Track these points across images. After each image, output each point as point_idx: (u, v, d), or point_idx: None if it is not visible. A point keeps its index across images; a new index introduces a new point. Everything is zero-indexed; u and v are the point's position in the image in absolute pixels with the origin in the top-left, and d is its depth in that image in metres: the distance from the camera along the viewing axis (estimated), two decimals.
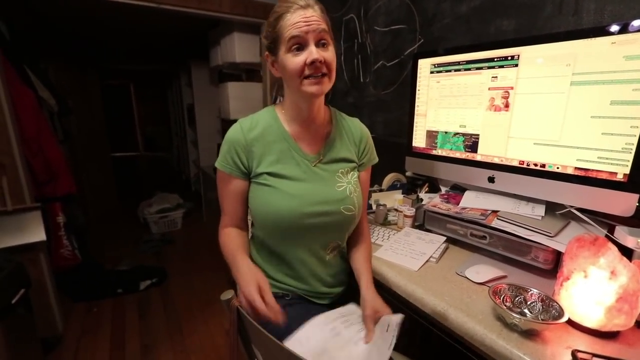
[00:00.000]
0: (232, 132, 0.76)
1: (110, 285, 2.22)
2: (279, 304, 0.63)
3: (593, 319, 0.55)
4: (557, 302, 0.58)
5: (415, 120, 1.12)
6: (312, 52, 0.65)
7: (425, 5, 1.28)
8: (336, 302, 0.83)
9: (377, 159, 0.89)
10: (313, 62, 0.65)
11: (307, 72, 0.67)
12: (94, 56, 3.86)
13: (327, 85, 0.70)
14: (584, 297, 0.56)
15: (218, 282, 2.36)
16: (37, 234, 1.56)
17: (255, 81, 2.56)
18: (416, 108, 1.11)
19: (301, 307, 0.77)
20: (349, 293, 0.84)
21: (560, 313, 0.56)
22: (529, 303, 0.62)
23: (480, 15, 1.10)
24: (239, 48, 2.31)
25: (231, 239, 0.77)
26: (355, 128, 0.85)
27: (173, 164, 6.26)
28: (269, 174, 0.74)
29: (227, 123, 3.54)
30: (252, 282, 0.64)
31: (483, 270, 0.76)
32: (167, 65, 4.85)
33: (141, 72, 5.88)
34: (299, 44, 0.66)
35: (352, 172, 0.81)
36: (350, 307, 0.75)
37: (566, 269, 0.59)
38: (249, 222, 0.86)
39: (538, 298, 0.62)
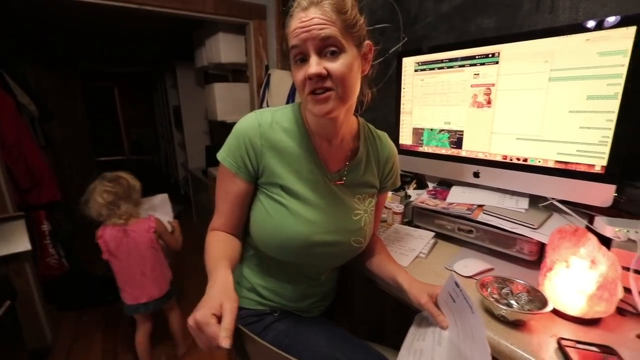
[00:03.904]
0: (247, 124, 0.64)
1: (101, 292, 2.18)
2: (266, 321, 0.60)
3: (576, 308, 0.57)
4: (541, 293, 0.60)
5: (401, 118, 1.13)
6: (310, 65, 0.55)
7: (407, 4, 1.29)
8: (326, 313, 0.82)
9: (399, 184, 0.82)
10: (310, 78, 0.55)
11: (307, 88, 0.57)
12: (75, 59, 3.78)
13: (336, 103, 0.57)
14: (567, 286, 0.58)
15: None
16: (22, 244, 1.52)
17: (241, 82, 2.55)
18: (402, 106, 1.12)
19: (291, 320, 0.74)
20: (339, 301, 0.84)
21: (545, 303, 0.58)
22: (515, 294, 0.64)
23: (462, 13, 1.12)
24: (224, 48, 2.29)
25: (219, 245, 0.65)
26: (384, 147, 0.76)
27: (161, 167, 6.17)
28: (284, 188, 0.65)
29: (214, 124, 3.52)
30: (216, 303, 0.47)
31: (471, 264, 0.78)
32: (152, 67, 4.78)
33: (125, 75, 5.78)
34: (301, 54, 0.56)
35: (370, 199, 0.74)
36: (416, 321, 0.65)
37: (549, 259, 0.61)
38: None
39: (524, 289, 0.64)
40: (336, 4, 0.55)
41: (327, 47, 0.55)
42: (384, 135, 0.79)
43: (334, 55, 0.55)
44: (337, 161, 0.70)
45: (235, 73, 2.75)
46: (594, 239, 0.58)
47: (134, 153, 7.23)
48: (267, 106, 2.06)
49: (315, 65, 0.54)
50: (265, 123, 0.65)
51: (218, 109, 2.46)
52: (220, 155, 0.67)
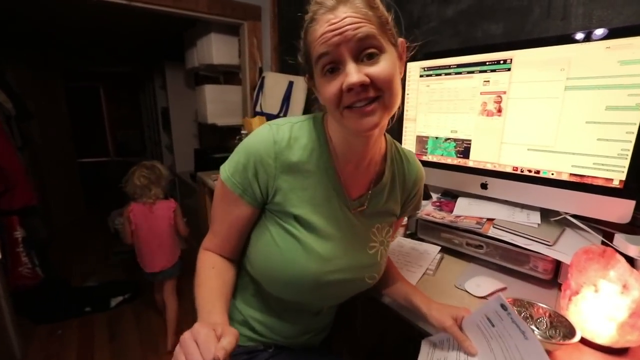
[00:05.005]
0: (260, 140, 0.54)
1: (77, 303, 2.05)
2: (259, 359, 0.53)
3: (605, 336, 0.53)
4: (566, 319, 0.55)
5: (404, 125, 1.08)
6: (349, 74, 0.45)
7: (410, 7, 1.26)
8: (323, 341, 0.76)
9: (420, 209, 0.75)
10: (350, 89, 0.46)
11: (346, 101, 0.47)
12: (58, 58, 3.62)
13: (382, 114, 0.48)
14: (595, 312, 0.53)
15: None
16: None
17: (233, 84, 2.47)
18: (405, 112, 1.07)
19: (286, 356, 0.67)
20: (338, 327, 0.77)
21: (572, 331, 0.53)
22: (535, 319, 0.59)
23: (467, 18, 1.08)
24: (217, 49, 2.22)
25: (213, 278, 0.58)
26: (411, 170, 0.68)
27: None
28: (298, 219, 0.56)
29: (204, 127, 3.42)
30: (217, 326, 0.42)
31: (483, 283, 0.73)
32: (140, 67, 4.64)
33: (111, 74, 5.61)
34: (332, 63, 0.47)
35: (388, 229, 0.66)
36: (425, 348, 0.59)
37: (574, 282, 0.57)
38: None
39: (545, 313, 0.58)
40: None
41: (365, 50, 0.46)
42: (411, 155, 0.69)
43: (373, 58, 0.46)
44: (359, 187, 0.61)
45: (227, 75, 2.67)
46: (623, 261, 0.54)
47: (118, 154, 7.01)
48: (261, 110, 1.99)
49: (355, 72, 0.45)
50: (282, 140, 0.54)
51: (209, 112, 2.37)
52: (224, 173, 0.57)
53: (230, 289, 0.61)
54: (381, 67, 0.46)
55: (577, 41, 0.71)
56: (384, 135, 0.63)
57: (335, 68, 0.47)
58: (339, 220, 0.58)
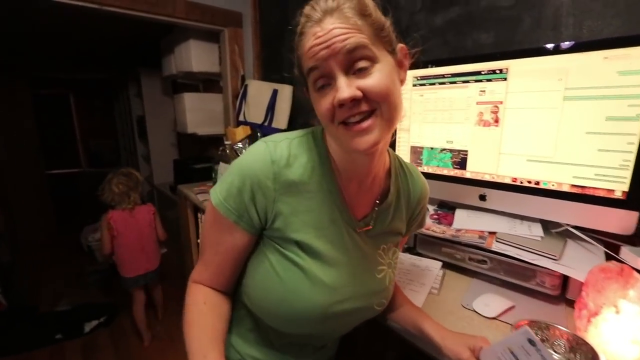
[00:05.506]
0: (256, 160, 0.49)
1: (47, 331, 1.88)
2: None
3: (628, 359, 0.50)
4: (586, 342, 0.53)
5: (397, 135, 1.05)
6: (339, 89, 0.42)
7: (398, 15, 1.24)
8: None
9: (424, 225, 0.72)
10: (342, 105, 0.42)
11: (339, 116, 0.44)
12: (23, 63, 3.39)
13: (382, 130, 0.44)
14: (617, 334, 0.51)
15: (179, 316, 2.11)
16: None
17: (214, 92, 2.39)
18: (398, 123, 1.04)
19: None
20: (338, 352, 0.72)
21: (594, 355, 0.50)
22: (552, 342, 0.56)
23: (456, 28, 1.07)
24: (196, 56, 2.13)
25: (206, 312, 0.52)
26: (415, 186, 0.64)
27: None
28: (300, 245, 0.51)
29: (183, 137, 3.30)
30: None
31: (491, 302, 0.70)
32: (113, 74, 4.44)
33: (83, 81, 5.34)
34: (322, 78, 0.44)
35: (394, 249, 0.62)
36: None
37: (592, 302, 0.54)
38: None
39: (562, 336, 0.56)
40: (358, 5, 0.43)
41: (356, 62, 0.42)
42: (415, 170, 0.66)
43: (365, 70, 0.43)
44: (364, 206, 0.56)
45: (206, 83, 2.58)
46: None
47: (91, 165, 6.67)
48: (245, 119, 1.92)
49: (345, 87, 0.41)
50: (280, 159, 0.49)
51: (189, 121, 2.27)
52: (216, 197, 0.51)
53: (225, 324, 0.55)
54: (374, 79, 0.43)
55: (573, 51, 0.70)
56: (388, 152, 0.59)
57: (326, 83, 0.44)
58: (345, 244, 0.54)
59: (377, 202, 0.57)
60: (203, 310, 0.52)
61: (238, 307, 0.60)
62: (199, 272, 0.56)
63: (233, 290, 0.59)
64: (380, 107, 0.44)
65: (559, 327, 0.56)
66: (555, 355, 0.55)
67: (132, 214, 1.78)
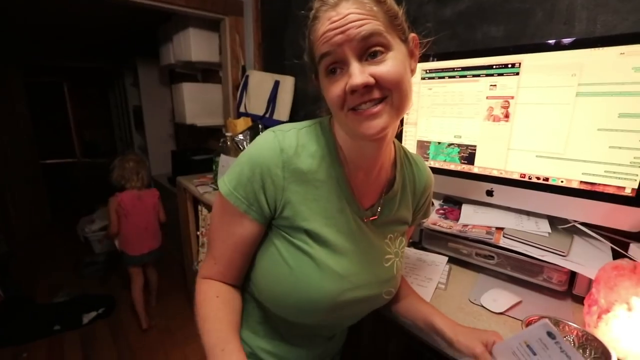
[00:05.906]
0: (265, 149, 0.50)
1: (45, 322, 1.87)
2: None
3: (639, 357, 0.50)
4: (596, 338, 0.53)
5: (404, 129, 1.04)
6: (352, 75, 0.42)
7: (407, 6, 1.21)
8: None
9: (429, 215, 0.71)
10: (354, 91, 0.42)
11: (350, 102, 0.44)
12: (16, 51, 3.31)
13: (390, 117, 0.44)
14: (629, 332, 0.51)
15: (177, 308, 2.12)
16: None
17: (213, 82, 2.35)
18: (405, 116, 1.03)
19: None
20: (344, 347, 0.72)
21: (605, 351, 0.50)
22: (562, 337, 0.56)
23: (466, 20, 1.05)
24: (196, 46, 2.09)
25: (219, 306, 0.52)
26: (421, 175, 0.64)
27: None
28: (309, 234, 0.51)
29: (182, 128, 3.25)
30: None
31: (499, 297, 0.70)
32: (109, 63, 4.35)
33: (77, 70, 5.22)
34: (335, 63, 0.44)
35: (401, 239, 0.63)
36: None
37: (604, 299, 0.54)
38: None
39: (572, 332, 0.56)
40: None
41: (370, 48, 0.42)
42: (420, 160, 0.66)
43: (379, 56, 0.42)
44: (370, 195, 0.57)
45: (205, 73, 2.54)
46: None
47: (86, 155, 6.59)
48: (245, 110, 1.89)
49: (358, 73, 0.41)
50: (289, 148, 0.50)
51: (187, 111, 2.24)
52: (225, 186, 0.51)
53: (239, 317, 0.56)
54: (388, 67, 0.43)
55: (589, 46, 0.69)
56: (394, 142, 0.59)
57: (338, 68, 0.44)
58: (353, 233, 0.54)
59: (384, 191, 0.58)
60: (217, 304, 0.52)
61: (247, 299, 0.60)
62: (209, 268, 0.55)
63: (242, 283, 0.59)
64: (391, 95, 0.44)
65: (569, 323, 0.56)
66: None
67: (139, 196, 1.89)
